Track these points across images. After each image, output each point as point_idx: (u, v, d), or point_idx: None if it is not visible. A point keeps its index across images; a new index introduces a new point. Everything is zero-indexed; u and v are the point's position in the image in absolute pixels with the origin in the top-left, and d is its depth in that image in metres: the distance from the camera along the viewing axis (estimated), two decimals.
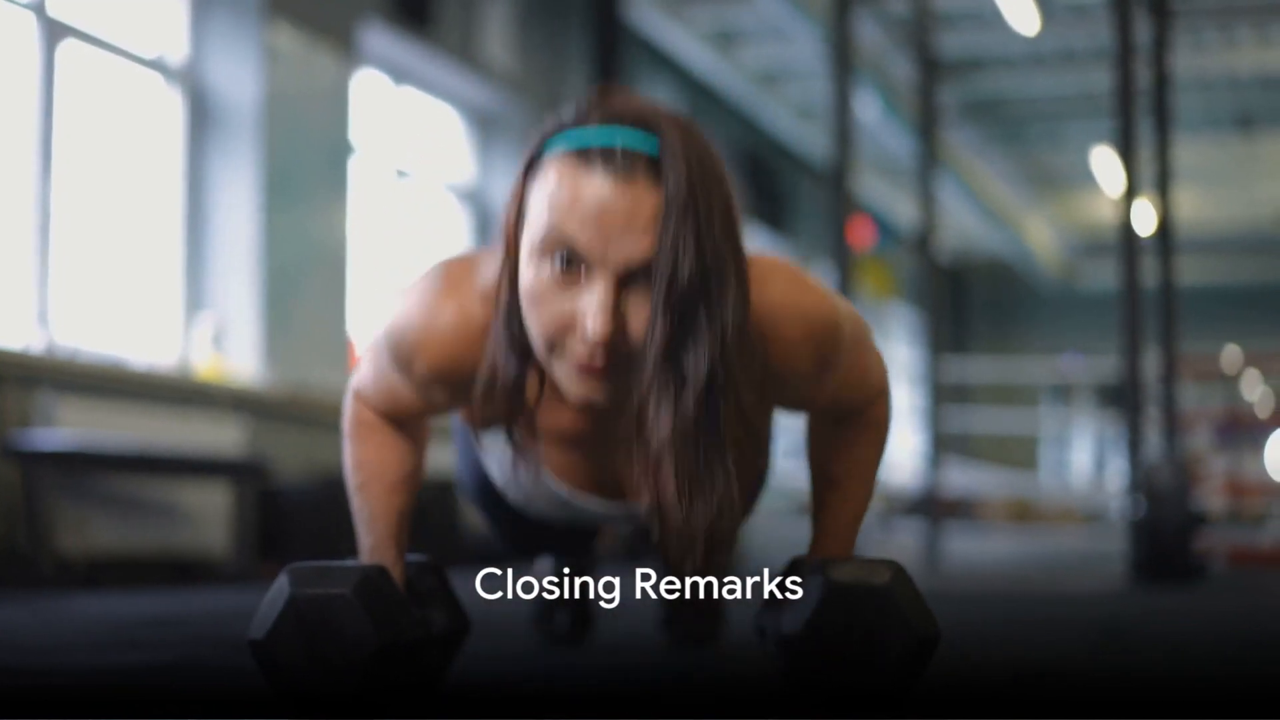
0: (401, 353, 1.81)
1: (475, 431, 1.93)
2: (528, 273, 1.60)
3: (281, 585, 1.68)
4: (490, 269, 1.73)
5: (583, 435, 1.83)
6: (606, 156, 1.56)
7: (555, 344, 1.60)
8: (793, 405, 1.87)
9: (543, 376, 1.71)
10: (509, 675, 2.22)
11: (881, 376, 1.93)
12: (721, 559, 1.60)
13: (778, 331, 1.72)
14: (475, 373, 1.75)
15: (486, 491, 2.26)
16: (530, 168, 1.63)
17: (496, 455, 1.93)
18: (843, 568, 1.73)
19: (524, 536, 2.44)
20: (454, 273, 1.78)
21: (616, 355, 1.58)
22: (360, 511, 1.88)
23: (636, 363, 1.58)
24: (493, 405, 1.74)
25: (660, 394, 1.57)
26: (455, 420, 2.18)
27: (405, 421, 1.93)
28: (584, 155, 1.57)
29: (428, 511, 6.72)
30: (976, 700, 1.87)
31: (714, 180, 1.59)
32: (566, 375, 1.61)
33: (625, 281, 1.56)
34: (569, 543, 2.54)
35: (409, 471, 1.91)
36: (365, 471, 1.89)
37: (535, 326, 1.61)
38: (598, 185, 1.55)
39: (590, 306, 1.55)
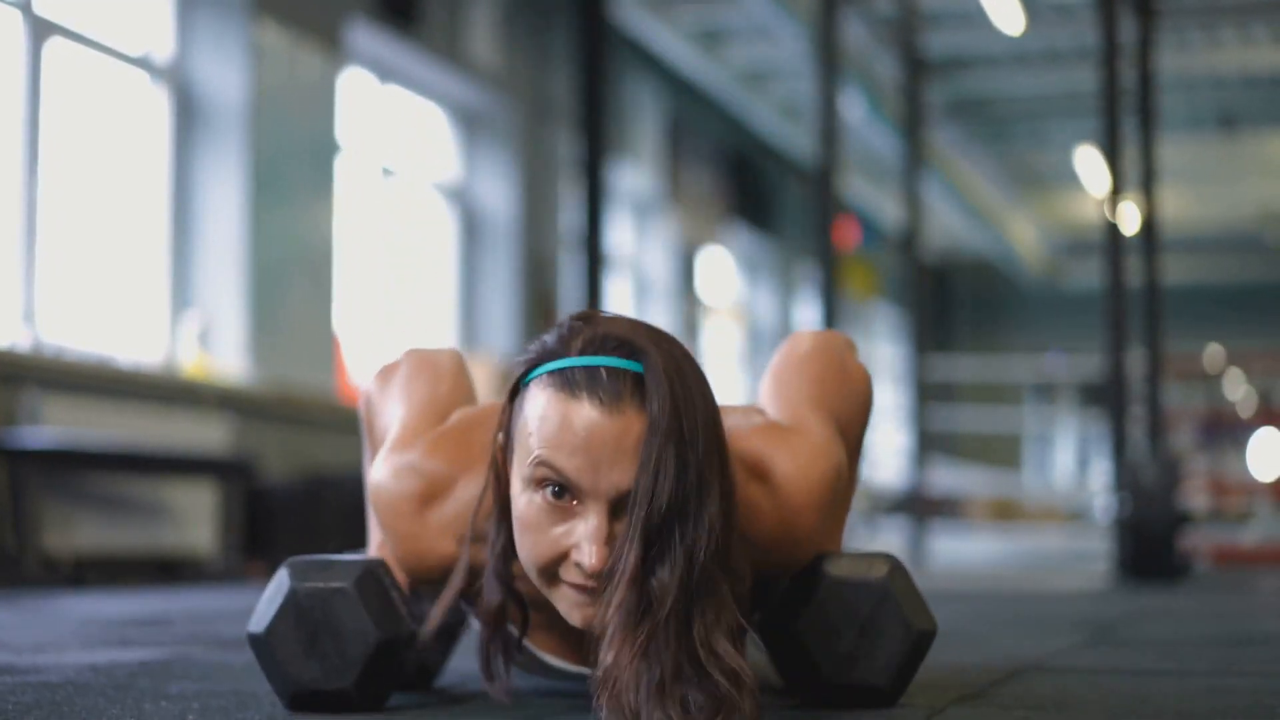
0: (377, 519, 1.82)
1: None
2: (520, 502, 1.58)
3: (281, 579, 1.68)
4: (467, 483, 1.74)
5: (558, 621, 1.76)
6: (592, 383, 1.55)
7: (550, 571, 1.58)
8: None
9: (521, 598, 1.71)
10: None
11: (864, 396, 1.93)
12: None
13: (799, 528, 1.72)
14: (437, 576, 1.76)
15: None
16: (515, 393, 1.62)
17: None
18: (840, 562, 1.74)
19: None
20: (435, 477, 1.77)
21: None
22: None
23: (605, 582, 1.55)
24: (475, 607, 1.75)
25: (625, 621, 1.52)
26: None
27: None
28: (570, 381, 1.56)
29: None
30: (972, 696, 1.88)
31: (697, 396, 1.57)
32: (566, 601, 1.59)
33: (617, 507, 1.55)
34: None
35: None
36: None
37: (529, 555, 1.59)
38: (585, 413, 1.54)
39: (585, 536, 1.54)
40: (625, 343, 1.58)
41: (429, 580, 1.78)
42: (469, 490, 1.73)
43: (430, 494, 1.75)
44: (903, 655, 1.70)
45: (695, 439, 1.55)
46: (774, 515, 1.70)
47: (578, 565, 1.55)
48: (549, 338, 1.62)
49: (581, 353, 1.57)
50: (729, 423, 1.69)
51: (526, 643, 1.81)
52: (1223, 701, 1.82)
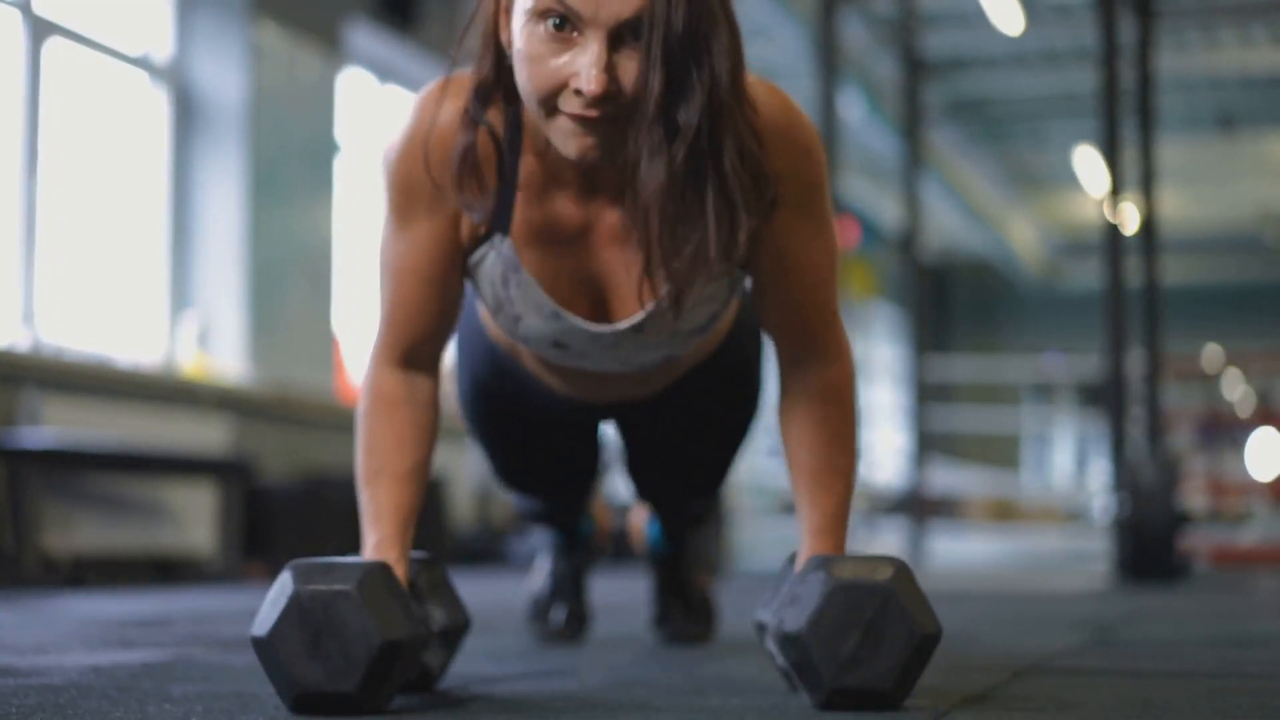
0: (400, 156, 1.86)
1: (471, 271, 1.93)
2: (521, 36, 1.66)
3: (284, 581, 1.68)
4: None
5: (571, 232, 1.87)
6: None
7: (550, 102, 1.66)
8: (766, 258, 1.88)
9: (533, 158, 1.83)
10: (504, 674, 2.23)
11: (837, 319, 1.97)
12: (688, 292, 1.74)
13: (756, 109, 1.77)
14: (452, 148, 1.83)
15: (481, 382, 2.31)
16: None
17: (489, 284, 1.93)
18: (844, 564, 1.73)
19: (519, 452, 2.46)
20: (446, 80, 1.87)
21: (612, 109, 1.64)
22: (368, 505, 1.87)
23: (628, 118, 1.65)
24: (485, 185, 1.82)
25: (652, 145, 1.63)
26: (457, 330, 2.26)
27: (422, 353, 1.94)
28: None
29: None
30: (976, 698, 1.88)
31: None
32: (563, 132, 1.67)
33: (617, 38, 1.62)
34: (565, 458, 2.55)
35: (419, 460, 1.90)
36: (377, 459, 1.88)
37: (530, 85, 1.66)
38: None
39: (585, 63, 1.61)
40: None
41: (443, 162, 1.83)
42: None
43: (443, 88, 1.84)
44: (907, 658, 1.70)
45: None
46: (767, 96, 1.79)
47: (577, 93, 1.63)
48: None
49: None
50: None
51: (533, 278, 1.88)
52: (1228, 702, 1.82)
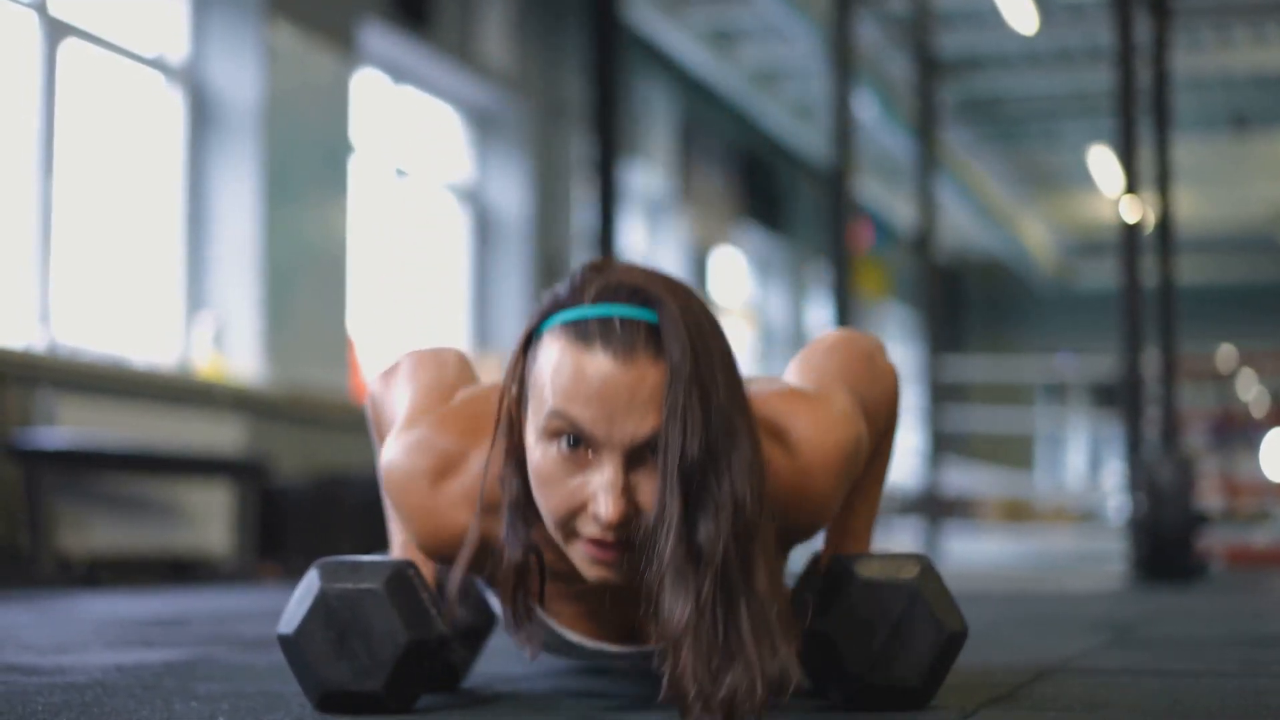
0: (389, 500, 1.78)
1: (481, 587, 1.85)
2: (535, 454, 1.57)
3: (311, 580, 1.68)
4: (480, 454, 1.69)
5: (595, 592, 1.74)
6: (605, 332, 1.52)
7: (568, 525, 1.56)
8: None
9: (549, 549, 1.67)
10: (527, 672, 2.22)
11: (891, 391, 1.91)
12: None
13: (814, 490, 1.70)
14: (456, 551, 1.71)
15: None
16: (528, 343, 1.60)
17: (499, 608, 1.84)
18: (870, 563, 1.73)
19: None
20: (446, 451, 1.73)
21: (630, 531, 1.54)
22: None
23: (649, 537, 1.53)
24: (495, 582, 1.70)
25: (676, 576, 1.51)
26: None
27: None
28: (583, 332, 1.53)
29: None
30: (1003, 697, 1.87)
31: (715, 344, 1.55)
32: (581, 556, 1.57)
33: (633, 457, 1.53)
34: None
35: None
36: None
37: (546, 509, 1.57)
38: (599, 363, 1.52)
39: (601, 487, 1.52)
40: (639, 291, 1.56)
41: (448, 558, 1.74)
42: (481, 462, 1.69)
43: (442, 468, 1.71)
44: (934, 656, 1.70)
45: (716, 384, 1.53)
46: (790, 476, 1.67)
47: (595, 517, 1.53)
48: (561, 287, 1.59)
49: (594, 301, 1.55)
50: (750, 388, 1.65)
51: (549, 618, 1.78)
52: (1256, 701, 1.81)
